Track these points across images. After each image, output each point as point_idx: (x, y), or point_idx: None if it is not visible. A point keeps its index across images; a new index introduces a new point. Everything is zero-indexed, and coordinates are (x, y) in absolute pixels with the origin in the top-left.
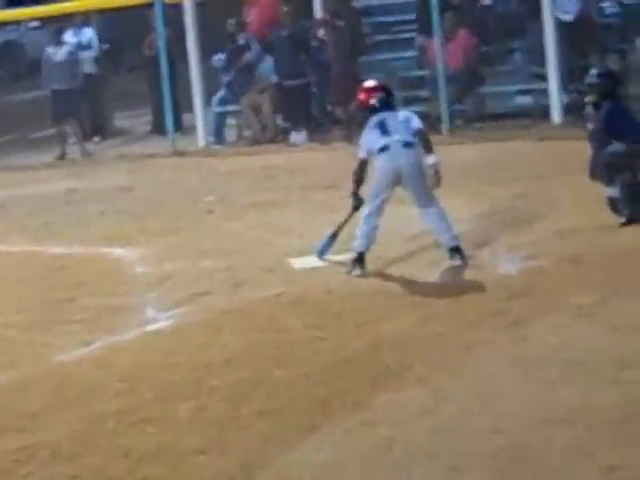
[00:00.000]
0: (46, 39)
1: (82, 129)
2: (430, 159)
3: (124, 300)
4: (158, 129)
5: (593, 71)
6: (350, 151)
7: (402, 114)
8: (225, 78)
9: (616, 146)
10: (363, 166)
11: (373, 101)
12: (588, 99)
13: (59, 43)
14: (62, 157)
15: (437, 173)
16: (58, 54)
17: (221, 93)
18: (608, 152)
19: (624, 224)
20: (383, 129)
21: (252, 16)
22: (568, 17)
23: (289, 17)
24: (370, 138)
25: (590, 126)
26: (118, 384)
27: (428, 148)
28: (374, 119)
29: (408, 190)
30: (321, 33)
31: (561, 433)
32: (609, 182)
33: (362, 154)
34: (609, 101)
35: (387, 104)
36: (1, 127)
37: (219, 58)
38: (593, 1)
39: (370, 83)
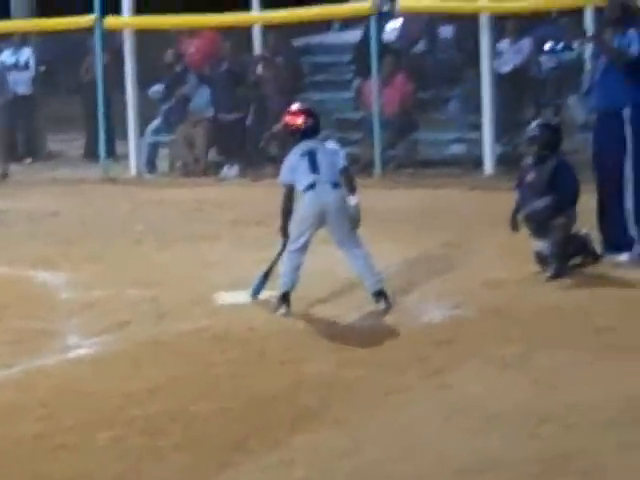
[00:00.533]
0: None
1: (8, 151)
2: (352, 200)
3: (47, 325)
4: (91, 154)
5: (535, 123)
6: (282, 189)
7: (330, 147)
8: (162, 107)
9: (548, 200)
10: (290, 193)
11: (302, 123)
12: (530, 151)
13: None
14: None
15: (357, 214)
16: None
17: (156, 122)
18: (542, 205)
19: (551, 278)
20: (312, 164)
21: (191, 48)
22: (507, 68)
23: (228, 51)
24: (296, 166)
25: (529, 177)
26: (37, 409)
27: (351, 188)
28: (302, 146)
29: (332, 231)
30: (259, 70)
31: None
32: (537, 235)
33: (287, 179)
34: (554, 155)
35: (314, 130)
36: None
37: (157, 90)
38: (533, 55)
39: (298, 106)
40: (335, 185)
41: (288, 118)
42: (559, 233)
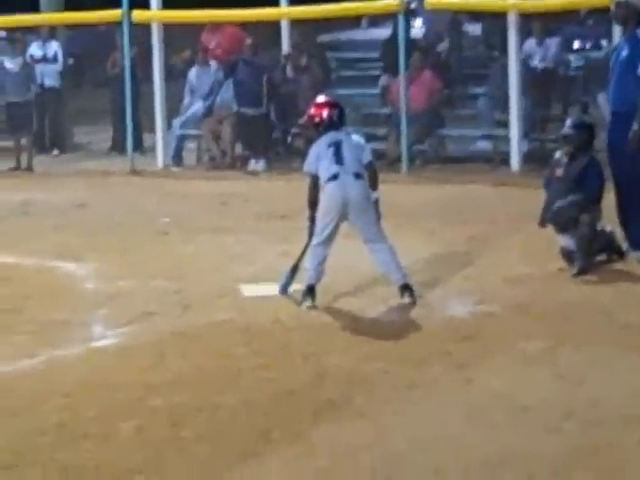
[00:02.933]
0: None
1: (39, 142)
2: (374, 195)
3: (71, 315)
4: (117, 147)
5: (569, 122)
6: (307, 182)
7: (355, 139)
8: (194, 100)
9: (575, 197)
10: (315, 183)
11: (327, 114)
12: (565, 149)
13: (16, 54)
14: (16, 168)
15: (377, 210)
16: (13, 65)
17: (183, 116)
18: (568, 201)
19: (576, 274)
20: (337, 154)
21: (214, 43)
22: (539, 64)
23: (253, 46)
24: (322, 156)
25: (559, 172)
26: (59, 398)
27: (374, 184)
28: (328, 137)
29: (356, 224)
30: (288, 70)
31: (501, 478)
32: (563, 230)
33: (312, 169)
34: (586, 153)
35: (340, 122)
36: None
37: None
38: (561, 52)
39: (323, 98)
40: (358, 176)
41: (313, 110)
42: (585, 229)
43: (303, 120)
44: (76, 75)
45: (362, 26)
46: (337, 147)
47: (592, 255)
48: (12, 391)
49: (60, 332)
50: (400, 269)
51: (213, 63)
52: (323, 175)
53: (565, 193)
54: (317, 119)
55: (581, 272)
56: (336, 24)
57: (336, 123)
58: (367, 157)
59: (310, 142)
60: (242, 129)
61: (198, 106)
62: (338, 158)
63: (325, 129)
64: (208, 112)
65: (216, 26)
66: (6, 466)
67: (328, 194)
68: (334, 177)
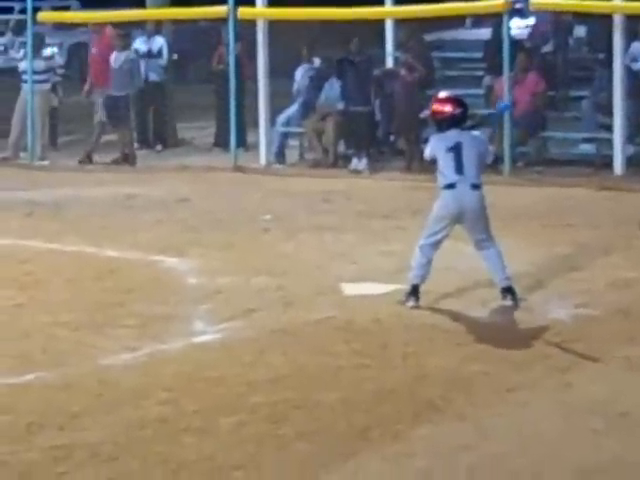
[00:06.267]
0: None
1: (142, 137)
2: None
3: (173, 310)
4: (221, 143)
5: None
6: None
7: (478, 141)
8: (298, 98)
9: None
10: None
11: (450, 110)
12: None
13: (122, 49)
14: (117, 161)
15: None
16: (117, 60)
17: (287, 113)
18: None
19: None
20: (458, 162)
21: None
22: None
23: (358, 45)
24: (440, 156)
25: None
26: (161, 392)
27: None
28: (449, 137)
29: (467, 230)
30: (402, 74)
31: None
32: None
33: (431, 155)
34: None
35: (462, 119)
36: (69, 127)
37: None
38: None
39: (446, 94)
40: (475, 187)
41: (436, 105)
42: None
43: (425, 115)
44: (180, 70)
45: (466, 26)
46: (457, 151)
47: None
48: (115, 384)
49: (162, 326)
50: (505, 271)
51: (316, 60)
52: (441, 179)
53: None
54: (440, 115)
55: None
56: (441, 23)
57: (459, 121)
58: (490, 158)
59: (416, 142)
60: (346, 127)
61: (296, 105)
62: (458, 165)
63: (447, 126)
64: (308, 110)
65: (99, 27)
66: (108, 458)
67: (444, 202)
68: (451, 186)
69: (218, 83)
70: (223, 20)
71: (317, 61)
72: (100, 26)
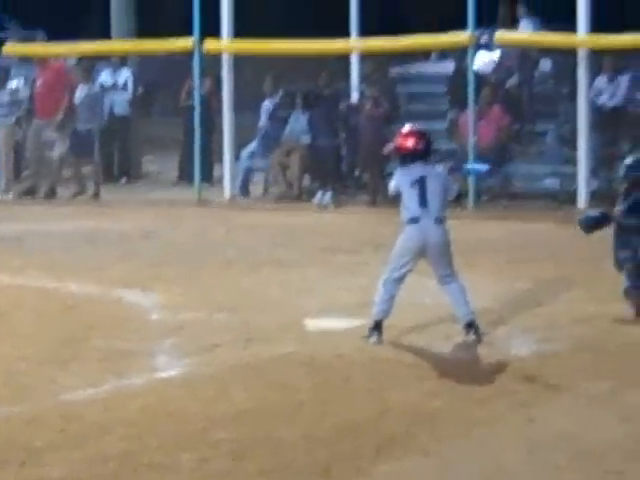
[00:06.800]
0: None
1: (107, 171)
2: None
3: (136, 345)
4: (185, 177)
5: (627, 160)
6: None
7: (442, 177)
8: (260, 132)
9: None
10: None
11: (413, 145)
12: (622, 188)
13: (86, 81)
14: (78, 194)
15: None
16: (80, 94)
17: (251, 147)
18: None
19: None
20: (422, 195)
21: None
22: (609, 102)
23: (325, 79)
24: (404, 190)
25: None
26: (124, 428)
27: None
28: (413, 170)
29: (431, 264)
30: (367, 108)
31: None
32: (619, 270)
33: (395, 191)
34: (637, 190)
35: (426, 153)
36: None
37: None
38: (632, 90)
39: (410, 128)
40: (439, 221)
41: (400, 140)
42: (630, 268)
43: (388, 150)
44: (146, 103)
45: (432, 59)
46: (422, 185)
47: None
48: (78, 419)
49: (125, 362)
50: (468, 306)
51: (276, 96)
52: (404, 213)
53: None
54: (403, 149)
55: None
56: (406, 57)
57: (423, 154)
58: (454, 193)
59: (380, 176)
60: (311, 161)
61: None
62: (422, 200)
63: (410, 160)
64: (269, 144)
65: (43, 61)
66: None
67: (408, 236)
68: (415, 220)
69: (186, 117)
70: (190, 53)
71: (279, 95)
72: (44, 59)
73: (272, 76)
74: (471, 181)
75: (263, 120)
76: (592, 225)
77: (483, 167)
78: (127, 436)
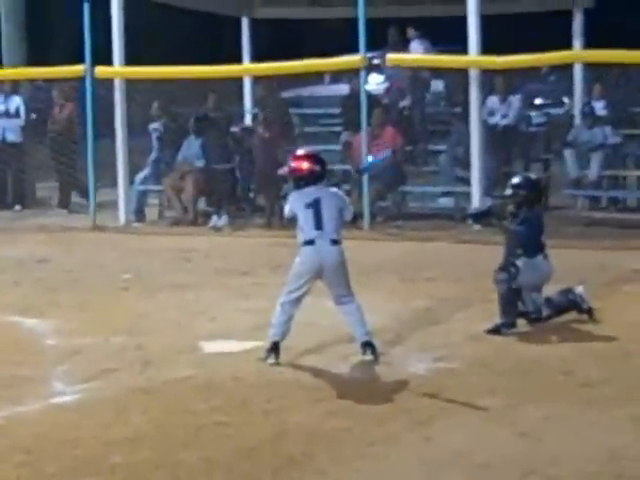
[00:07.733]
0: None
1: (0, 198)
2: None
3: (31, 371)
4: (63, 203)
5: (513, 180)
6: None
7: (337, 199)
8: (150, 157)
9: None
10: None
11: (307, 168)
12: (509, 208)
13: None
14: None
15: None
16: None
17: (145, 172)
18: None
19: (489, 331)
20: (317, 217)
21: None
22: (501, 121)
23: (217, 102)
24: (300, 214)
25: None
26: (19, 455)
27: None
28: (307, 193)
29: (327, 285)
30: (260, 131)
31: None
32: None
33: (291, 215)
34: (528, 211)
35: (320, 176)
36: None
37: (156, 127)
38: (523, 109)
39: (303, 151)
40: (334, 242)
41: (294, 163)
42: (500, 288)
43: (283, 171)
44: (38, 130)
45: (325, 82)
46: (317, 207)
47: (510, 314)
48: None
49: (20, 388)
50: (365, 326)
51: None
52: (300, 235)
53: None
54: (297, 172)
55: (493, 330)
56: (299, 80)
57: (317, 177)
58: (349, 215)
59: (275, 198)
60: (205, 184)
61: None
62: (317, 222)
63: (306, 183)
64: (160, 168)
65: None
66: None
67: (304, 258)
68: (311, 242)
69: (52, 143)
70: (80, 79)
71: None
72: None
73: (159, 101)
74: (366, 202)
75: (154, 144)
76: (477, 215)
77: (385, 155)
78: (22, 463)
